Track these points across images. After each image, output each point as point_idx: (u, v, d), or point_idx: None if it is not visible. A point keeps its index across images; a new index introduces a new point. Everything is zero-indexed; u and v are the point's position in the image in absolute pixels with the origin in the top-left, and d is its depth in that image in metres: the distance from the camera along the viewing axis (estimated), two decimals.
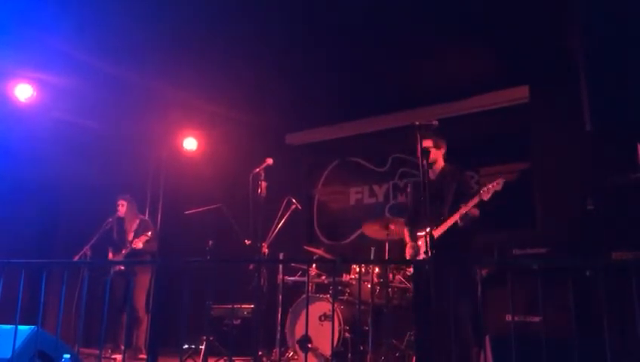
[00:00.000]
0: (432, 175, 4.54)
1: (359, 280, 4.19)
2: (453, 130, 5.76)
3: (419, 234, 4.47)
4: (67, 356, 3.73)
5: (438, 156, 4.58)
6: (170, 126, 7.24)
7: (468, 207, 4.15)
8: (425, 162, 4.12)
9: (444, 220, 4.24)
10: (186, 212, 6.16)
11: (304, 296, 5.17)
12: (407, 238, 4.66)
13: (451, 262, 4.23)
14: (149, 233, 6.06)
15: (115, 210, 6.35)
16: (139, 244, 5.98)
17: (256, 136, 7.39)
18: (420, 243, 4.44)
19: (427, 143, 4.47)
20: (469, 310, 4.08)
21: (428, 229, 3.81)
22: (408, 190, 5.00)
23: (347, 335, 4.96)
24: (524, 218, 5.98)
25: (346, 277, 5.43)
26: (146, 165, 7.69)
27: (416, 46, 5.46)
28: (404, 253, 4.65)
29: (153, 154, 7.64)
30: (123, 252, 6.10)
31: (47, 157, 6.68)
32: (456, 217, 4.18)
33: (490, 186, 4.10)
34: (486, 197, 4.10)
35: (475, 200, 4.15)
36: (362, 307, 5.07)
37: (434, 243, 4.15)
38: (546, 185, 5.90)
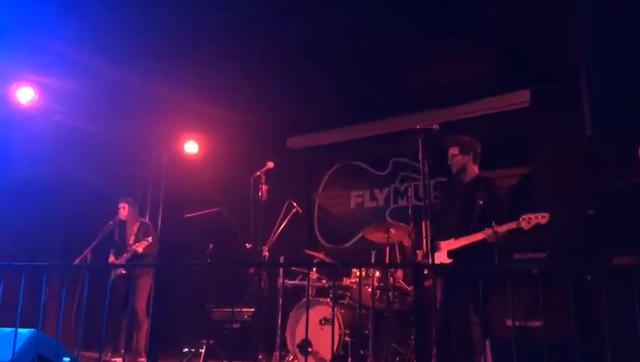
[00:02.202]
0: (465, 179, 4.53)
1: (360, 284, 4.17)
2: (455, 134, 5.78)
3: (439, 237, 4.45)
4: (67, 359, 3.73)
5: (466, 162, 4.51)
6: (171, 129, 7.25)
7: (501, 229, 4.04)
8: (426, 167, 4.11)
9: (472, 231, 4.19)
10: (187, 215, 6.16)
11: (304, 299, 5.17)
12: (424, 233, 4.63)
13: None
14: (150, 238, 6.06)
15: (116, 213, 6.35)
16: (139, 248, 5.98)
17: (257, 140, 7.41)
18: (439, 243, 4.40)
19: (453, 150, 4.51)
20: (476, 314, 4.08)
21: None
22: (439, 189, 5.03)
23: (347, 339, 4.95)
24: None
25: (346, 281, 5.43)
26: (147, 168, 7.70)
27: (417, 50, 5.47)
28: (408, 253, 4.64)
29: (154, 157, 7.65)
30: (124, 256, 6.10)
31: (48, 159, 6.69)
32: (486, 233, 4.08)
33: (533, 217, 3.96)
34: (527, 226, 3.96)
35: (512, 225, 4.02)
36: (363, 311, 5.06)
37: (455, 251, 4.24)
38: (547, 190, 5.90)
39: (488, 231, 4.07)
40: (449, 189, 4.78)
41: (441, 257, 4.33)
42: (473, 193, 4.34)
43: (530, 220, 3.96)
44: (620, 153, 4.69)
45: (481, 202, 4.29)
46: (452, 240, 4.30)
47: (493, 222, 4.09)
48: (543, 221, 3.94)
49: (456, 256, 4.25)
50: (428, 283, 4.46)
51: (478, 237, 4.15)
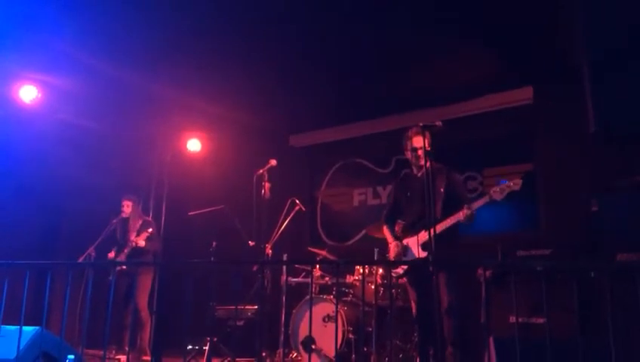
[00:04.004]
0: (416, 172, 4.48)
1: (363, 281, 4.18)
2: (457, 132, 5.77)
3: (406, 233, 4.42)
4: (71, 357, 3.74)
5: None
6: (174, 127, 7.26)
7: (475, 206, 4.05)
8: (429, 164, 4.10)
9: (439, 220, 4.15)
10: (190, 213, 6.17)
11: (308, 297, 5.17)
12: (389, 237, 4.55)
13: (453, 262, 4.22)
14: (150, 229, 6.07)
15: (120, 211, 6.36)
16: (140, 242, 5.98)
17: (259, 138, 7.41)
18: (406, 242, 4.37)
19: (425, 141, 4.18)
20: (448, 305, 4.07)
21: (425, 229, 3.75)
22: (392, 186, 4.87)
23: (351, 336, 4.96)
24: (527, 219, 5.97)
25: (349, 279, 5.43)
26: (150, 166, 7.70)
27: (420, 47, 5.46)
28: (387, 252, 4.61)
29: (157, 155, 7.66)
30: (125, 251, 6.11)
31: (52, 158, 6.71)
32: (458, 216, 4.08)
33: (504, 187, 3.97)
34: (499, 197, 3.97)
35: (485, 199, 4.04)
36: (366, 308, 5.06)
37: (426, 243, 4.13)
38: (550, 187, 5.89)
39: (467, 212, 4.04)
40: (405, 182, 4.61)
41: (414, 253, 4.30)
42: (433, 183, 4.16)
43: (502, 191, 3.97)
44: (623, 149, 4.68)
45: (442, 190, 4.29)
46: (423, 232, 4.22)
47: (465, 205, 4.09)
48: (516, 187, 3.96)
49: (428, 248, 4.05)
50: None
51: (452, 220, 4.11)
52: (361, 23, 5.06)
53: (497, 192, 4.00)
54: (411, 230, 4.37)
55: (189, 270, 3.64)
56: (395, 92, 6.45)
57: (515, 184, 3.98)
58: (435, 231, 3.73)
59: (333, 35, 5.28)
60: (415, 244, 4.29)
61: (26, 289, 3.45)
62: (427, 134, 4.21)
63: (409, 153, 4.48)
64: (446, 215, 4.19)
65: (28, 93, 6.06)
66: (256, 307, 6.04)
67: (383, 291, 5.15)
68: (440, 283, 4.03)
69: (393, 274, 4.46)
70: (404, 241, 4.39)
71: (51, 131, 6.59)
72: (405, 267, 4.34)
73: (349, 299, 5.38)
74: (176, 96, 6.49)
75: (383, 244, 5.41)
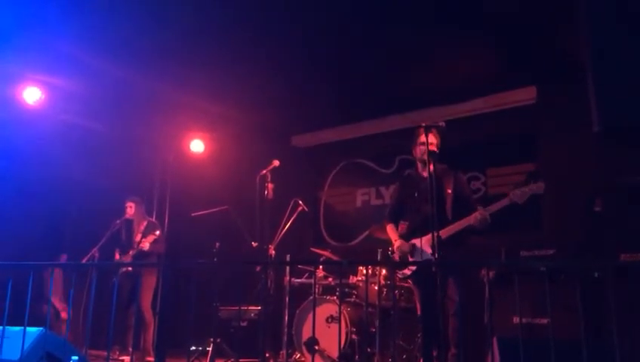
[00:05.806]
0: (422, 172, 4.42)
1: (366, 281, 4.18)
2: (460, 132, 5.76)
3: (413, 233, 4.37)
4: (75, 358, 3.74)
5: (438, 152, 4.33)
6: (177, 128, 7.26)
7: (492, 209, 4.00)
8: (432, 164, 4.09)
9: (452, 220, 4.14)
10: (193, 214, 6.17)
11: (311, 297, 5.18)
12: (393, 236, 4.50)
13: (456, 263, 4.21)
14: (157, 232, 6.07)
15: (123, 212, 6.37)
16: (146, 245, 5.99)
17: (262, 138, 7.41)
18: (414, 242, 4.33)
19: (434, 139, 4.24)
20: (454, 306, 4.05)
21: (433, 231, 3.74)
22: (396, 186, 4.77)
23: (354, 337, 4.96)
24: (531, 219, 5.95)
25: (352, 279, 5.43)
26: (153, 167, 7.72)
27: (423, 47, 5.46)
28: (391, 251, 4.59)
29: (160, 156, 7.67)
30: (130, 253, 6.12)
31: (55, 159, 6.72)
32: (476, 217, 4.02)
33: (527, 189, 3.91)
34: (521, 200, 3.91)
35: (504, 202, 3.97)
36: (369, 309, 5.06)
37: (438, 244, 4.10)
38: (554, 186, 5.85)
39: (480, 215, 3.99)
40: (410, 182, 4.53)
41: (424, 253, 4.24)
42: (440, 184, 4.19)
43: (523, 193, 3.91)
44: (627, 149, 4.67)
45: (450, 191, 4.25)
46: (430, 234, 4.05)
47: (479, 207, 4.04)
48: (540, 190, 3.90)
49: (439, 249, 3.91)
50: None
51: (465, 223, 4.07)
52: (362, 23, 5.06)
53: (518, 195, 3.92)
54: (420, 230, 4.29)
55: (193, 271, 3.64)
56: (398, 92, 6.44)
57: (538, 187, 3.92)
58: (444, 232, 3.72)
59: (334, 35, 5.28)
60: (425, 245, 4.19)
61: (29, 290, 3.45)
62: (437, 135, 4.22)
63: (418, 151, 4.42)
64: (456, 216, 4.16)
65: (31, 95, 6.07)
66: (259, 308, 6.04)
67: (387, 292, 5.14)
68: (449, 284, 4.03)
69: (399, 275, 4.43)
70: (412, 241, 4.37)
71: (55, 132, 6.60)
72: (413, 268, 4.31)
73: (352, 299, 5.37)
74: (179, 97, 6.50)
75: (387, 245, 5.40)
